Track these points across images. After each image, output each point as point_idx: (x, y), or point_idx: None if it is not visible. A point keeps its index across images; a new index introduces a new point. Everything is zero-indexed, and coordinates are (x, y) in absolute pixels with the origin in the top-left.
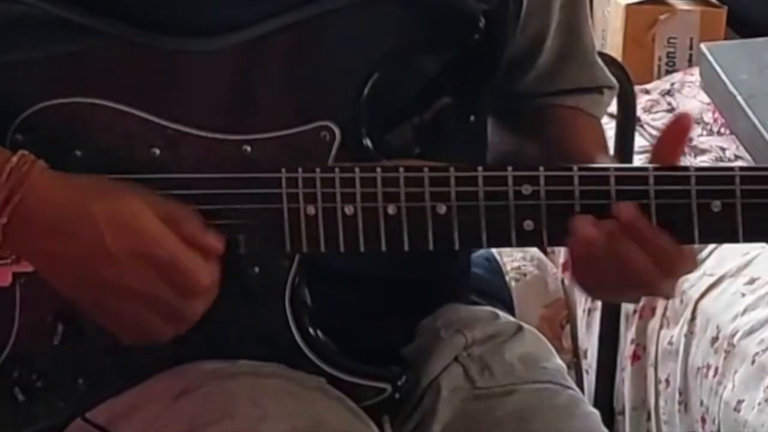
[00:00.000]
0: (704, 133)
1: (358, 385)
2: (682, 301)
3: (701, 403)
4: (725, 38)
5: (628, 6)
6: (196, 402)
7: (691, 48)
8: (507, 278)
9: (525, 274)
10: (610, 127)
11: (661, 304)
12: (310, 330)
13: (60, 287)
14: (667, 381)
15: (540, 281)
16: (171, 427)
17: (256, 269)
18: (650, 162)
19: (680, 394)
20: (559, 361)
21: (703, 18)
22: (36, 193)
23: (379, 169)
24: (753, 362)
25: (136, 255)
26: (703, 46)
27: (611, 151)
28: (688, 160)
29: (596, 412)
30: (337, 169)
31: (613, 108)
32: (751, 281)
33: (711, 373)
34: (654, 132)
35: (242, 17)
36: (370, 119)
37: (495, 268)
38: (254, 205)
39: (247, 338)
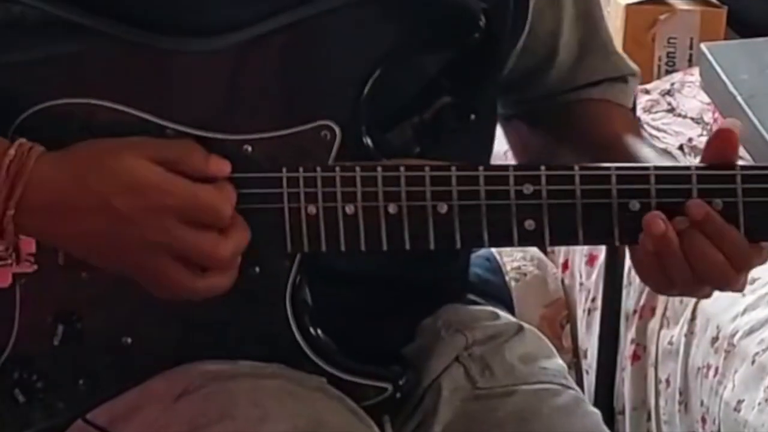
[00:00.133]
0: (704, 132)
1: (358, 385)
2: (682, 301)
3: (701, 403)
4: (725, 38)
5: (628, 6)
6: (196, 402)
7: (691, 48)
8: (507, 278)
9: (525, 274)
10: None
11: (661, 304)
12: (311, 330)
13: (91, 261)
14: (668, 381)
15: (540, 281)
16: (171, 428)
17: (257, 269)
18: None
19: (680, 394)
20: (560, 361)
21: (703, 18)
22: (37, 181)
23: (379, 169)
24: (753, 362)
25: (149, 210)
26: (703, 46)
27: None
28: (687, 160)
29: (597, 412)
30: (337, 169)
31: None
32: (752, 281)
33: (711, 373)
34: (654, 132)
35: (241, 17)
36: (371, 118)
37: (495, 267)
38: (255, 205)
39: (247, 338)
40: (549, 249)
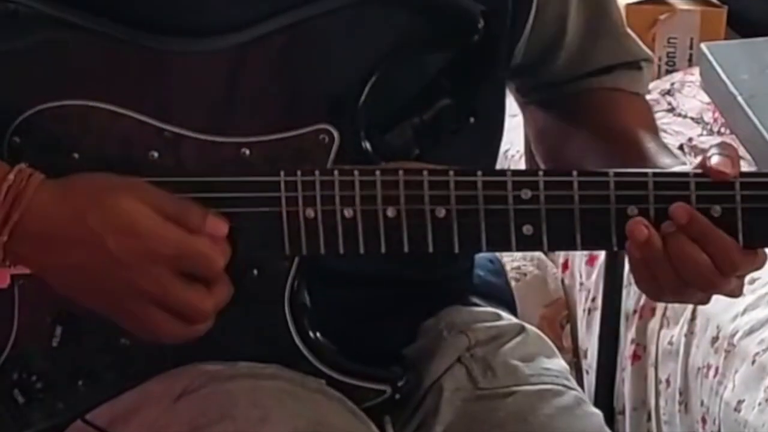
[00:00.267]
0: (704, 132)
1: (357, 387)
2: None
3: (702, 403)
4: (725, 38)
5: (628, 6)
6: (196, 403)
7: (691, 48)
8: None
9: (525, 274)
10: None
11: (661, 304)
12: (309, 332)
13: (72, 296)
14: (668, 381)
15: (540, 281)
16: (171, 428)
17: (255, 271)
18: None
19: (680, 394)
20: (562, 361)
21: (704, 18)
22: (34, 210)
23: (378, 172)
24: (753, 362)
25: (140, 255)
26: (703, 46)
27: None
28: (687, 160)
29: (599, 413)
30: (336, 172)
31: None
32: (752, 281)
33: (711, 373)
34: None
35: (240, 18)
36: (369, 121)
37: (497, 269)
38: (253, 208)
39: (246, 340)
40: None
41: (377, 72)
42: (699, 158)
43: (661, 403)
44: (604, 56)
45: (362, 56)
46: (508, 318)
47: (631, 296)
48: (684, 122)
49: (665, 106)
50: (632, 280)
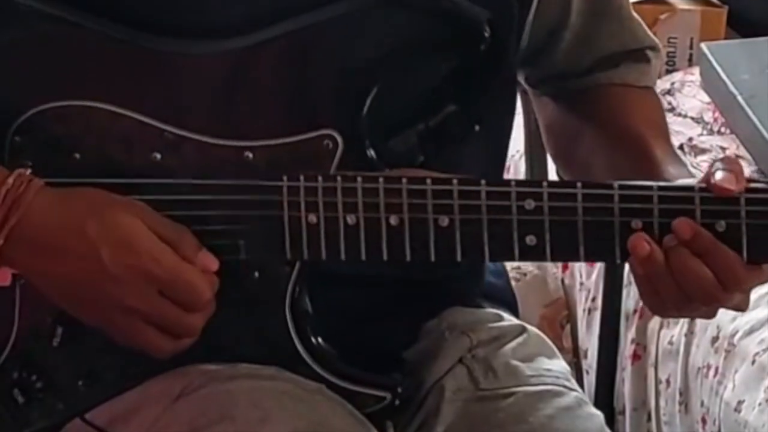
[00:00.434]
0: (704, 132)
1: (358, 393)
2: None
3: (702, 403)
4: (725, 38)
5: None
6: (195, 403)
7: (691, 47)
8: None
9: (525, 274)
10: None
11: None
12: (311, 337)
13: (62, 305)
14: (668, 381)
15: (540, 281)
16: (171, 428)
17: (256, 274)
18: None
19: (681, 394)
20: (563, 362)
21: (704, 18)
22: (32, 216)
23: (381, 179)
24: (753, 362)
25: (135, 272)
26: (703, 46)
27: None
28: (687, 160)
29: (600, 414)
30: (339, 178)
31: None
32: None
33: (711, 373)
34: None
35: (244, 21)
36: (373, 127)
37: (499, 270)
38: (255, 212)
39: (246, 342)
40: None
41: (382, 79)
42: (699, 157)
43: (661, 403)
44: (608, 39)
45: (367, 63)
46: (509, 319)
47: (631, 296)
48: (684, 122)
49: (665, 106)
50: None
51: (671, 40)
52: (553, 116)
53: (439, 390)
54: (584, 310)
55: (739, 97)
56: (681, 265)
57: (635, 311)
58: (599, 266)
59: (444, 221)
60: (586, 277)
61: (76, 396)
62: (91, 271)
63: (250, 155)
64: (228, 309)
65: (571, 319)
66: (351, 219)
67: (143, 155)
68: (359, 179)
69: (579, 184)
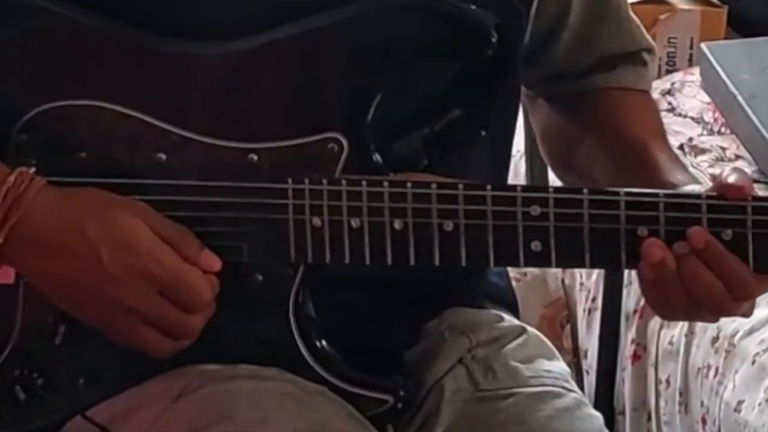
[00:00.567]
0: (704, 132)
1: (360, 396)
2: None
3: (702, 403)
4: (726, 38)
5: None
6: (195, 403)
7: (691, 48)
8: None
9: (525, 274)
10: None
11: None
12: (314, 339)
13: (62, 305)
14: (668, 381)
15: (540, 281)
16: (171, 428)
17: (260, 277)
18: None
19: (681, 394)
20: (562, 364)
21: (704, 18)
22: (33, 214)
23: (386, 183)
24: (753, 362)
25: (134, 272)
26: (703, 46)
27: None
28: (687, 160)
29: (599, 416)
30: (344, 182)
31: None
32: None
33: (711, 373)
34: None
35: (251, 23)
36: (378, 131)
37: (501, 270)
38: (259, 215)
39: (249, 344)
40: None
41: (387, 83)
42: (699, 157)
43: (662, 403)
44: (606, 40)
45: (373, 66)
46: (509, 320)
47: (631, 296)
48: (684, 122)
49: (665, 106)
50: (632, 280)
51: (671, 40)
52: (550, 121)
53: (439, 390)
54: (584, 310)
55: (739, 97)
56: (692, 274)
57: (635, 311)
58: None
59: (449, 226)
60: (586, 277)
61: (77, 394)
62: (91, 271)
63: (255, 157)
64: (230, 311)
65: (571, 319)
66: (355, 222)
67: (148, 156)
68: (364, 183)
69: (585, 191)
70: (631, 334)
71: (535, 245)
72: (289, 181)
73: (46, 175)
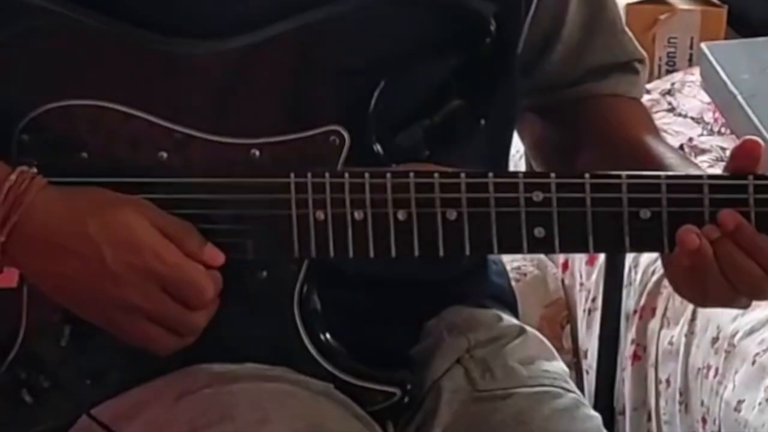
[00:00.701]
0: (704, 132)
1: (367, 390)
2: (682, 302)
3: (702, 403)
4: (725, 38)
5: (628, 6)
6: (197, 403)
7: (691, 48)
8: None
9: (525, 274)
10: None
11: (661, 304)
12: (320, 334)
13: (65, 304)
14: (668, 381)
15: (540, 281)
16: (171, 428)
17: (264, 273)
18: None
19: (681, 394)
20: (561, 364)
21: (704, 18)
22: (34, 213)
23: (389, 175)
24: (753, 362)
25: (136, 270)
26: (703, 46)
27: None
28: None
29: (597, 416)
30: (346, 175)
31: None
32: None
33: (711, 373)
34: None
35: (251, 20)
36: (379, 123)
37: (501, 270)
38: (262, 210)
39: (255, 341)
40: None
41: (388, 74)
42: (699, 158)
43: (662, 403)
44: (600, 51)
45: (373, 58)
46: (508, 320)
47: (631, 296)
48: (684, 122)
49: (665, 106)
50: (632, 280)
51: (671, 40)
52: (543, 132)
53: (437, 391)
54: (584, 311)
55: (739, 97)
56: (730, 259)
57: (635, 311)
58: (599, 266)
59: (452, 215)
60: (586, 278)
61: (83, 395)
62: (93, 269)
63: (257, 153)
64: (236, 309)
65: (571, 319)
66: (359, 215)
67: (150, 154)
68: (367, 174)
69: (587, 175)
70: (631, 334)
71: (539, 231)
72: (292, 175)
73: (48, 176)
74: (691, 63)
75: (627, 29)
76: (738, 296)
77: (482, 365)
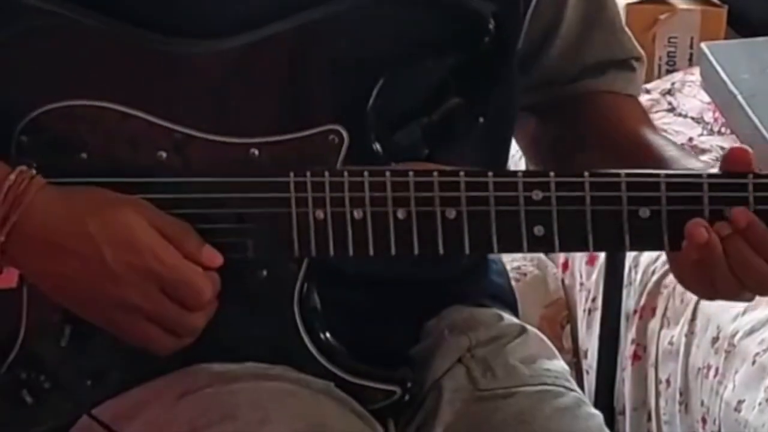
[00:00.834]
0: (704, 132)
1: (367, 388)
2: (682, 301)
3: (702, 403)
4: (725, 38)
5: (629, 5)
6: (197, 403)
7: (691, 47)
8: None
9: (525, 274)
10: None
11: (661, 304)
12: (320, 333)
13: (64, 304)
14: (668, 381)
15: (540, 281)
16: (172, 428)
17: (265, 272)
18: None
19: (681, 394)
20: (562, 363)
21: (704, 17)
22: (33, 213)
23: (388, 173)
24: (753, 362)
25: (135, 270)
26: (703, 46)
27: None
28: None
29: (599, 414)
30: (346, 173)
31: None
32: None
33: (711, 373)
34: None
35: (249, 19)
36: (378, 121)
37: (500, 270)
38: (262, 209)
39: (255, 341)
40: None
41: (386, 73)
42: (699, 157)
43: (662, 403)
44: (597, 48)
45: (372, 57)
46: (509, 319)
47: (632, 296)
48: (684, 122)
49: (665, 106)
50: (632, 280)
51: (671, 40)
52: (540, 130)
53: (438, 390)
54: (584, 310)
55: (739, 97)
56: (739, 254)
57: (635, 311)
58: (599, 266)
59: (451, 213)
60: (586, 277)
61: (84, 395)
62: (92, 269)
63: (256, 152)
64: (236, 308)
65: (571, 319)
66: (358, 213)
67: (149, 154)
68: (366, 173)
69: (586, 174)
70: (631, 334)
71: (538, 230)
72: (291, 174)
73: (48, 177)
74: (691, 63)
75: (626, 29)
76: (744, 292)
77: (483, 364)
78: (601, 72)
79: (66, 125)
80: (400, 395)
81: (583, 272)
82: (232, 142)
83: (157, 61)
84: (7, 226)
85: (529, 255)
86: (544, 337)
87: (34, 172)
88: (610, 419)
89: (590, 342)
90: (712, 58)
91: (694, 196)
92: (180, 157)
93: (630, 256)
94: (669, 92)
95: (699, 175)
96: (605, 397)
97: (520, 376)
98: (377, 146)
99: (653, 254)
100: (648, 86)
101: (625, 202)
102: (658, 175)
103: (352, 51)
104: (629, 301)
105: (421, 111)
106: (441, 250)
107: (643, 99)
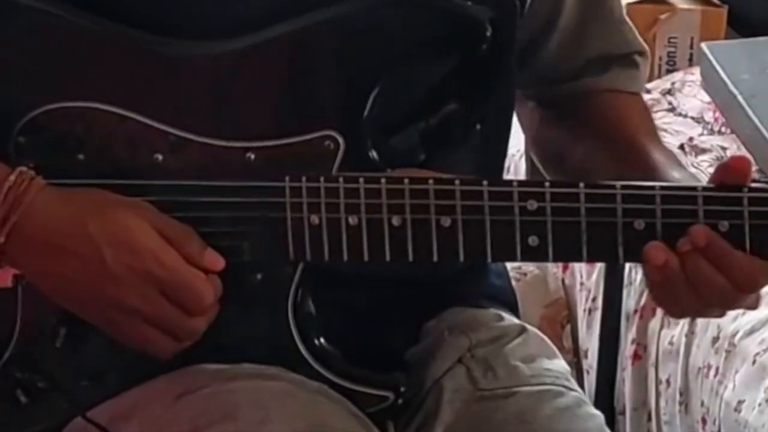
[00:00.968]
0: (705, 132)
1: (360, 393)
2: None
3: (702, 403)
4: (726, 38)
5: (629, 5)
6: (197, 403)
7: (691, 47)
8: None
9: (525, 274)
10: None
11: None
12: (314, 338)
13: (64, 305)
14: (668, 381)
15: (540, 281)
16: (172, 428)
17: (259, 276)
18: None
19: (681, 394)
20: (563, 362)
21: (704, 17)
22: (33, 214)
23: (383, 180)
24: (754, 362)
25: (136, 273)
26: (703, 46)
27: None
28: (688, 160)
29: (600, 414)
30: (341, 179)
31: None
32: None
33: (712, 373)
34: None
35: (247, 23)
36: (375, 127)
37: (500, 270)
38: (257, 214)
39: (250, 343)
40: None
41: (383, 79)
42: (699, 157)
43: (662, 403)
44: (597, 40)
45: (368, 63)
46: (509, 319)
47: (632, 296)
48: (684, 122)
49: (665, 106)
50: (632, 280)
51: (671, 40)
52: (542, 124)
53: (439, 390)
54: (584, 310)
55: (740, 97)
56: (697, 271)
57: (635, 311)
58: (599, 266)
59: (446, 222)
60: (586, 277)
61: (79, 396)
62: (93, 270)
63: (252, 156)
64: (230, 310)
65: (572, 319)
66: (353, 220)
67: (145, 157)
68: (361, 180)
69: (581, 185)
70: (631, 334)
71: (532, 240)
72: (287, 179)
73: (46, 178)
74: (691, 63)
75: (628, 20)
76: (709, 308)
77: (484, 364)
78: (603, 68)
79: (64, 126)
80: (393, 400)
81: (584, 272)
82: (228, 145)
83: (154, 62)
84: (7, 226)
85: None
86: (545, 337)
87: (34, 172)
88: (611, 419)
89: (590, 342)
90: (712, 58)
91: (689, 209)
92: (175, 159)
93: None
94: (669, 92)
95: (694, 188)
96: (605, 397)
97: (521, 376)
98: (373, 152)
99: None
100: (648, 86)
101: (620, 214)
102: (653, 188)
103: (350, 57)
104: (629, 300)
105: (418, 117)
106: (435, 258)
107: (644, 99)
